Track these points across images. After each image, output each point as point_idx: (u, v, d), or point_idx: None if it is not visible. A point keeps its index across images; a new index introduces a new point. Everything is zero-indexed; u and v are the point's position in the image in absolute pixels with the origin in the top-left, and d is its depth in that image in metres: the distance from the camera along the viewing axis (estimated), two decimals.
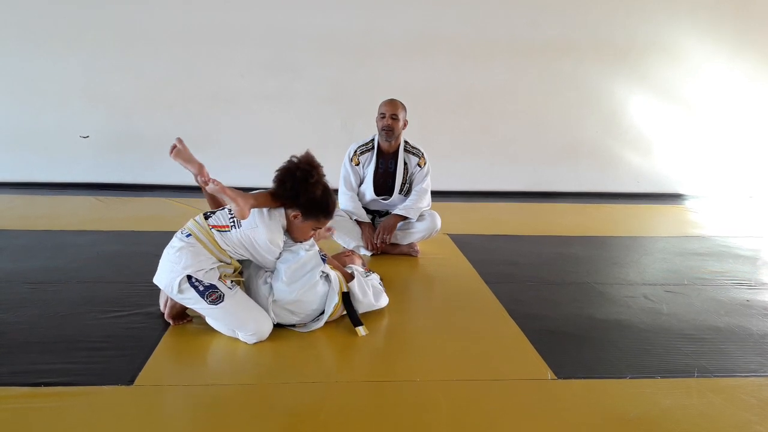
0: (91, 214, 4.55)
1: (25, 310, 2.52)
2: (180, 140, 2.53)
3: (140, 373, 2.00)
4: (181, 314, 2.43)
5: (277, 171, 2.36)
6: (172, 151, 2.50)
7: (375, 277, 2.69)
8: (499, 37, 5.77)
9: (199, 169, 2.47)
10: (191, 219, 2.37)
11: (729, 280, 3.29)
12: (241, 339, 2.27)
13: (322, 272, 2.39)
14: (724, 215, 5.31)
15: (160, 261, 2.32)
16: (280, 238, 2.36)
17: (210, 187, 2.28)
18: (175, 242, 2.30)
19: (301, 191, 2.29)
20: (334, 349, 2.30)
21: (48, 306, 2.56)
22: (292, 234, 2.41)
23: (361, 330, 2.36)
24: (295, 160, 2.35)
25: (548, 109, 5.98)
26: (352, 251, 3.14)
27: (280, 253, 2.38)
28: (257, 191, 2.35)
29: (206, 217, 2.34)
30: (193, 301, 2.24)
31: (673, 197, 6.12)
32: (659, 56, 5.93)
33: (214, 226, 2.29)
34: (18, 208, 4.65)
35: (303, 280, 2.34)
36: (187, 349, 2.24)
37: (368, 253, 3.51)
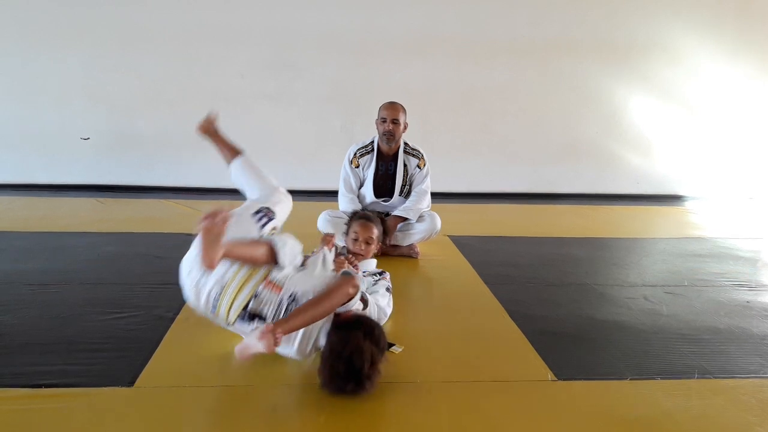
0: (91, 215, 4.55)
1: (26, 311, 2.52)
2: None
3: (141, 375, 2.00)
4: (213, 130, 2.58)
5: (322, 354, 1.94)
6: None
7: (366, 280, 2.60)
8: (499, 37, 5.76)
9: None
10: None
11: (729, 281, 3.29)
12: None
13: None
14: (724, 216, 5.31)
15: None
16: None
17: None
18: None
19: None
20: None
21: (48, 307, 2.56)
22: None
23: None
24: (337, 357, 1.85)
25: (548, 109, 5.98)
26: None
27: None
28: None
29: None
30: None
31: (673, 198, 6.12)
32: (659, 56, 5.92)
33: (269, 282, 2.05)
34: (18, 210, 4.65)
35: None
36: (187, 350, 2.24)
37: None
